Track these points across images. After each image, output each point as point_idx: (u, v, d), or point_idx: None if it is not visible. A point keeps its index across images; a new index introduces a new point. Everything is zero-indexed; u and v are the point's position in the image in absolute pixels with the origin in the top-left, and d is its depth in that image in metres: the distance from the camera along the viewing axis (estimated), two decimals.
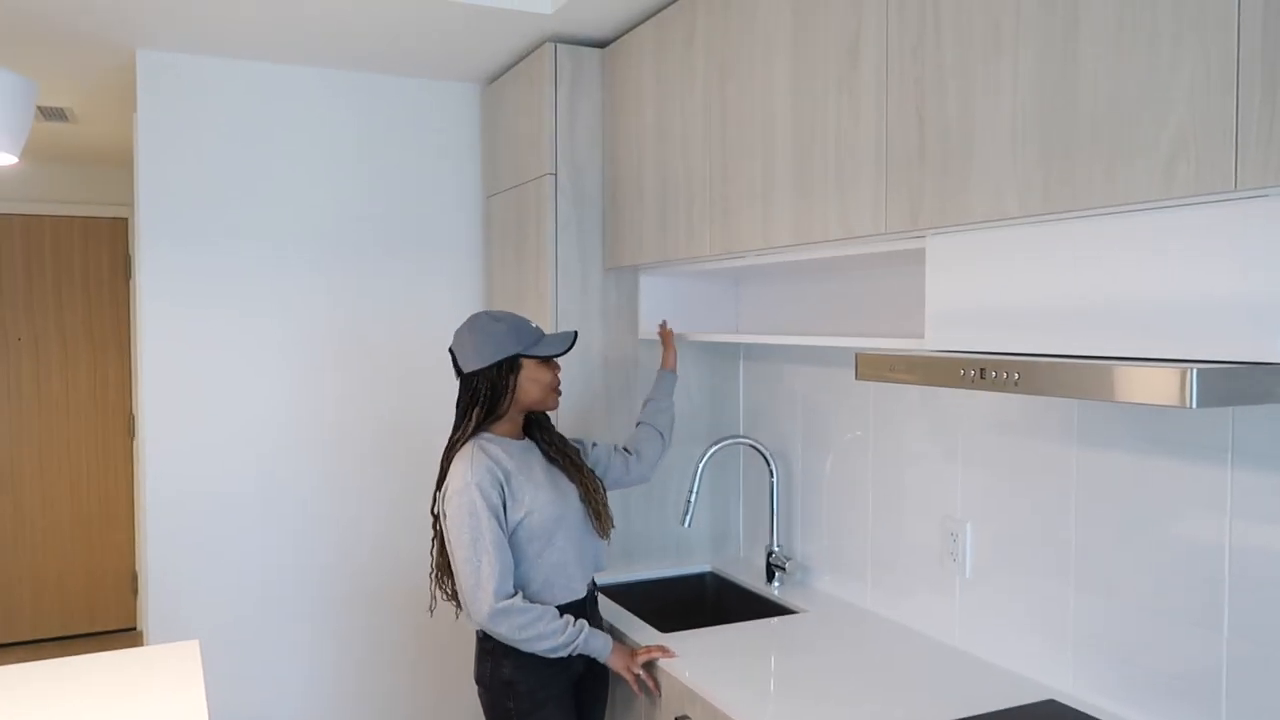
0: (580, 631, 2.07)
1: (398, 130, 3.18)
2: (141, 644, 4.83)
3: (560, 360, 2.32)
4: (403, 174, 3.19)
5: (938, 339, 1.67)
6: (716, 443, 2.63)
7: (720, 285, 2.90)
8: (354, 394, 3.15)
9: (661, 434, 2.52)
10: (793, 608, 2.48)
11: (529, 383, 2.16)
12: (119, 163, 4.77)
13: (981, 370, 1.39)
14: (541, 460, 2.21)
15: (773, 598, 2.57)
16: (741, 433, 2.96)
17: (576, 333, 2.20)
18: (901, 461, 2.31)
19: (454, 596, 2.17)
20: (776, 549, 2.68)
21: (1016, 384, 1.34)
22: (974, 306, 1.59)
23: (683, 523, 2.59)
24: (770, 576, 2.67)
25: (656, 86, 2.49)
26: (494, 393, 2.14)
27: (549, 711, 2.10)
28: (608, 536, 2.27)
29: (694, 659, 2.08)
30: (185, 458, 2.94)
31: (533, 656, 2.07)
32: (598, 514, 2.24)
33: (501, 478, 2.07)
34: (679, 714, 2.00)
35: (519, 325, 2.16)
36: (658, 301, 2.82)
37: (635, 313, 2.83)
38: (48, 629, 4.96)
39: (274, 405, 3.04)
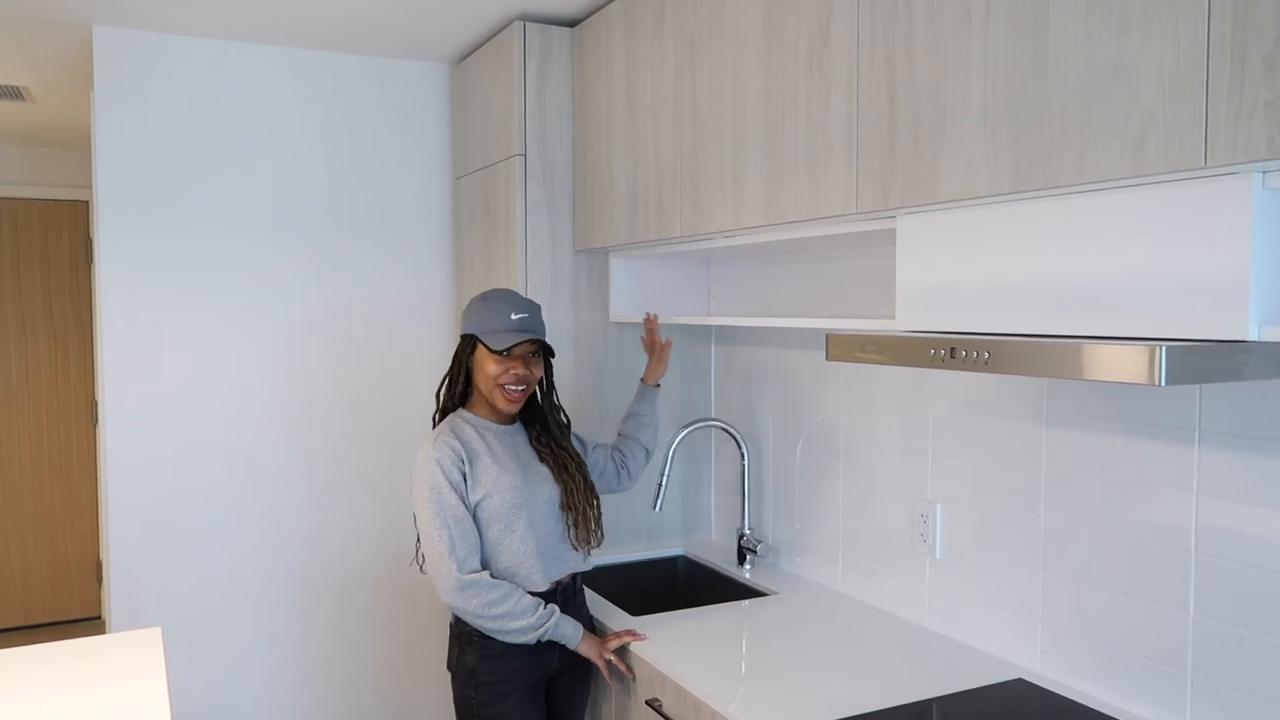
0: (551, 616, 2.03)
1: (365, 111, 3.13)
2: (105, 633, 4.76)
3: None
4: (370, 155, 3.14)
5: (908, 319, 1.66)
6: (687, 426, 2.62)
7: (691, 267, 2.88)
8: (320, 378, 3.10)
9: (648, 450, 2.46)
10: (764, 590, 2.48)
11: (477, 368, 2.08)
12: (78, 144, 4.66)
13: (951, 349, 1.39)
14: (526, 447, 2.15)
15: (744, 580, 2.57)
16: (713, 415, 2.95)
17: (538, 341, 2.07)
18: (873, 443, 2.31)
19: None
20: (748, 532, 2.68)
21: (986, 363, 1.33)
22: (944, 287, 1.58)
23: (654, 506, 2.58)
24: (742, 559, 2.67)
25: (627, 66, 2.46)
26: (454, 369, 2.14)
27: (509, 705, 2.04)
28: (583, 550, 2.16)
29: (665, 642, 2.07)
30: (148, 445, 2.88)
31: (500, 646, 2.02)
32: (576, 525, 2.13)
33: (464, 456, 2.03)
34: (649, 698, 1.99)
35: (493, 308, 2.07)
36: (628, 283, 2.80)
37: (606, 294, 2.80)
38: (10, 618, 4.87)
39: (238, 391, 3.00)
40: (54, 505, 4.92)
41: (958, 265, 1.56)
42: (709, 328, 2.95)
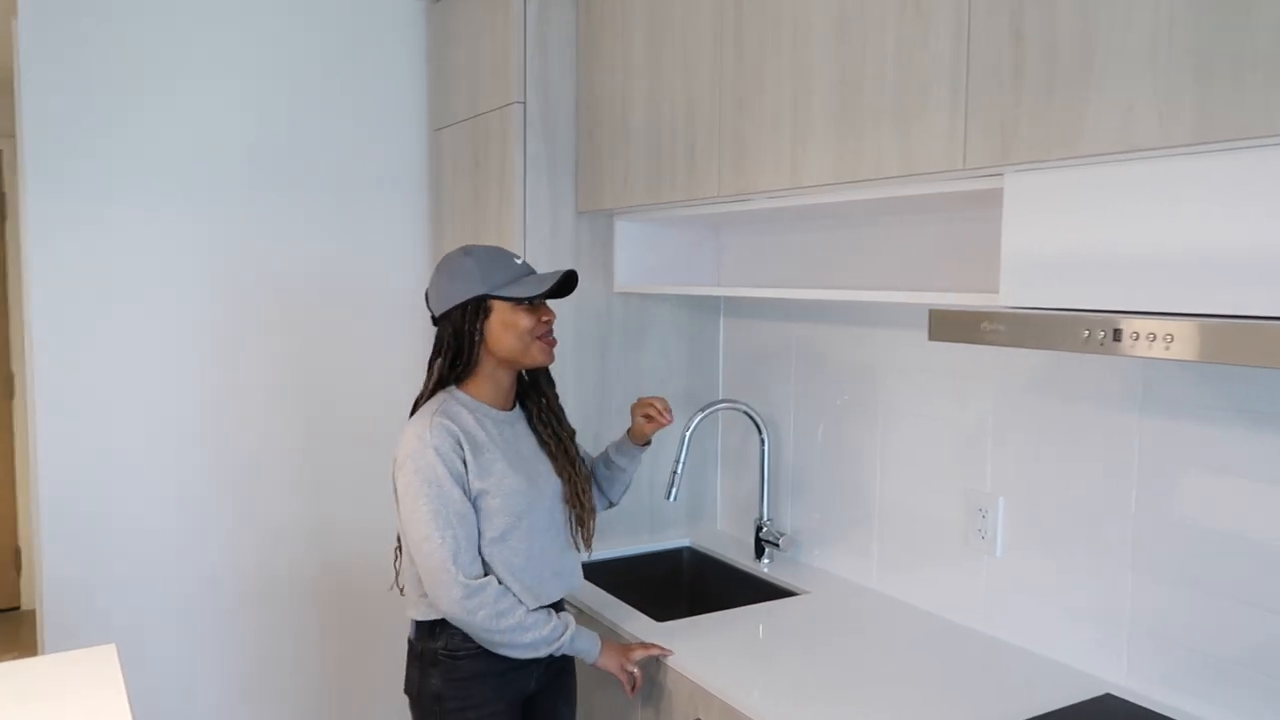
0: (565, 628, 1.77)
1: (328, 52, 2.78)
2: (26, 624, 4.36)
3: (554, 304, 1.95)
4: (334, 102, 2.80)
5: (1018, 293, 1.44)
6: (705, 408, 2.37)
7: (700, 233, 2.63)
8: (278, 352, 2.77)
9: (612, 503, 2.12)
10: (792, 588, 2.26)
11: (500, 329, 1.76)
12: None
13: (1115, 331, 1.16)
14: (528, 438, 1.86)
15: (765, 576, 2.35)
16: (720, 394, 2.72)
17: (571, 272, 1.78)
18: (917, 428, 2.10)
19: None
20: (767, 523, 2.45)
21: (1168, 348, 1.11)
22: (1069, 256, 1.36)
23: (668, 496, 2.33)
24: (760, 553, 2.44)
25: (649, 2, 2.18)
26: (457, 342, 1.78)
27: None
28: (586, 550, 1.92)
29: (702, 653, 1.84)
30: (81, 422, 2.53)
31: (470, 668, 1.75)
32: (581, 522, 1.88)
33: (464, 441, 1.72)
34: (695, 718, 1.76)
35: (492, 260, 1.78)
36: (634, 250, 2.53)
37: (610, 261, 2.53)
38: None
39: (183, 365, 2.65)
40: None
41: (1090, 231, 1.33)
42: (718, 300, 2.71)
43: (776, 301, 2.50)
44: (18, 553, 4.56)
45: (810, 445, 2.40)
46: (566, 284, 1.78)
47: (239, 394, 2.72)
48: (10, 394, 4.49)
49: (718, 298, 2.71)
